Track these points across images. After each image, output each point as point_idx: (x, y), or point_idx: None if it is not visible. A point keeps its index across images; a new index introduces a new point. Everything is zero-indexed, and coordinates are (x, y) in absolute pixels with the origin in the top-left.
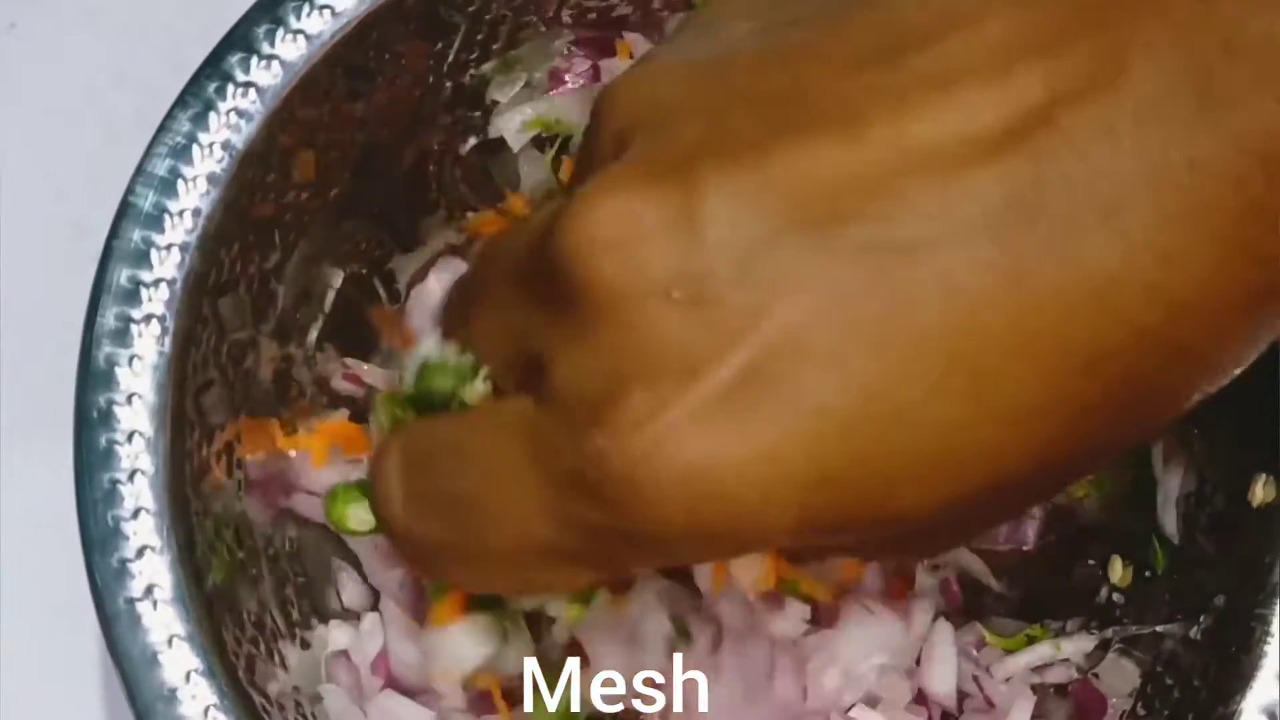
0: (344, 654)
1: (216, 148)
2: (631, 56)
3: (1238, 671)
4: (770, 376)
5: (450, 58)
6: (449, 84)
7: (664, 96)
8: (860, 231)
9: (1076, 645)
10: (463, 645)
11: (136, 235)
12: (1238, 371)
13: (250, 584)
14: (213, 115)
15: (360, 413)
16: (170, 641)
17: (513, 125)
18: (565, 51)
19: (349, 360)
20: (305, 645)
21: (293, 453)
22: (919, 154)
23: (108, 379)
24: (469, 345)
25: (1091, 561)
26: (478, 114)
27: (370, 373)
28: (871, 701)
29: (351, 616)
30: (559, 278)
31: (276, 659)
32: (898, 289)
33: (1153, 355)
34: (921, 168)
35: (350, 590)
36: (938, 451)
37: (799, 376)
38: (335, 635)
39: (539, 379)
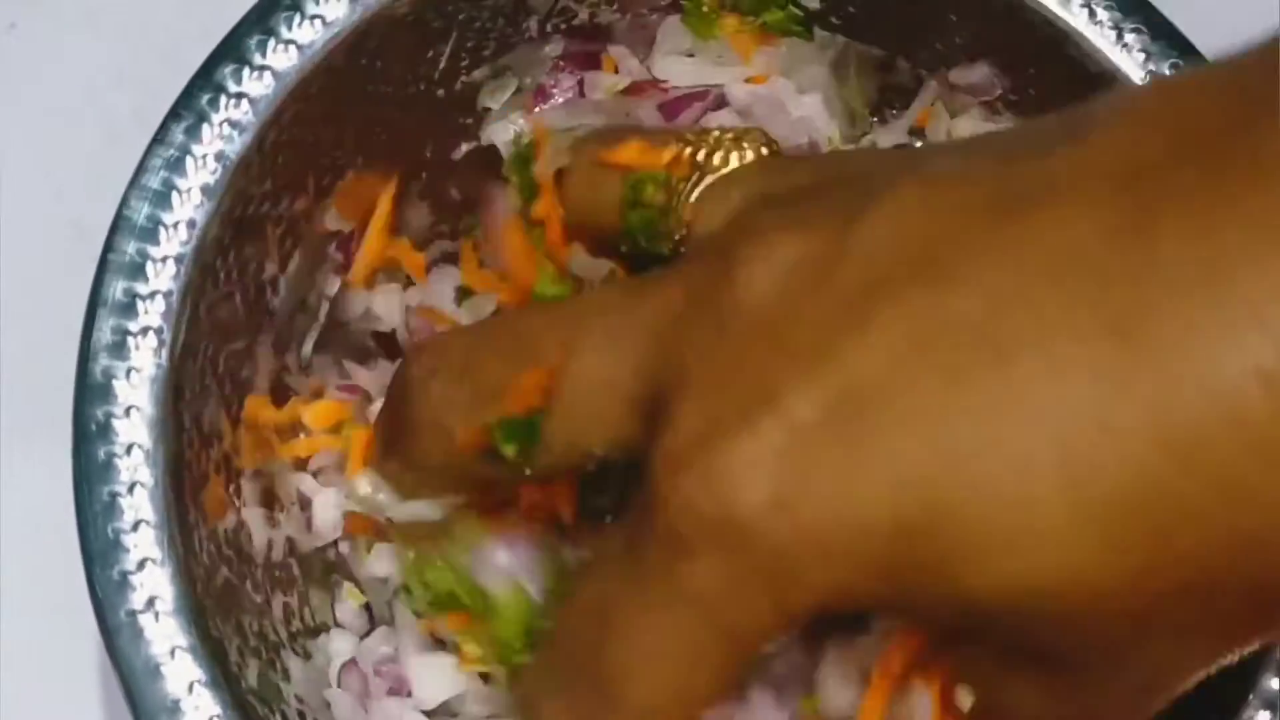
0: (352, 661)
1: (210, 159)
2: (616, 70)
3: (1238, 664)
4: (862, 414)
5: (441, 65)
6: (440, 91)
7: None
8: (969, 287)
9: None
10: None
11: (132, 248)
12: None
13: (251, 594)
14: (206, 126)
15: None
16: (173, 653)
17: (504, 132)
18: (551, 63)
19: (347, 363)
20: (307, 655)
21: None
22: (1038, 211)
23: (105, 392)
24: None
25: None
26: (469, 121)
27: (364, 375)
28: None
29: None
30: (713, 305)
31: (279, 669)
32: (997, 351)
33: (1258, 512)
34: (1038, 226)
35: (346, 610)
36: (1018, 529)
37: (888, 427)
38: (337, 644)
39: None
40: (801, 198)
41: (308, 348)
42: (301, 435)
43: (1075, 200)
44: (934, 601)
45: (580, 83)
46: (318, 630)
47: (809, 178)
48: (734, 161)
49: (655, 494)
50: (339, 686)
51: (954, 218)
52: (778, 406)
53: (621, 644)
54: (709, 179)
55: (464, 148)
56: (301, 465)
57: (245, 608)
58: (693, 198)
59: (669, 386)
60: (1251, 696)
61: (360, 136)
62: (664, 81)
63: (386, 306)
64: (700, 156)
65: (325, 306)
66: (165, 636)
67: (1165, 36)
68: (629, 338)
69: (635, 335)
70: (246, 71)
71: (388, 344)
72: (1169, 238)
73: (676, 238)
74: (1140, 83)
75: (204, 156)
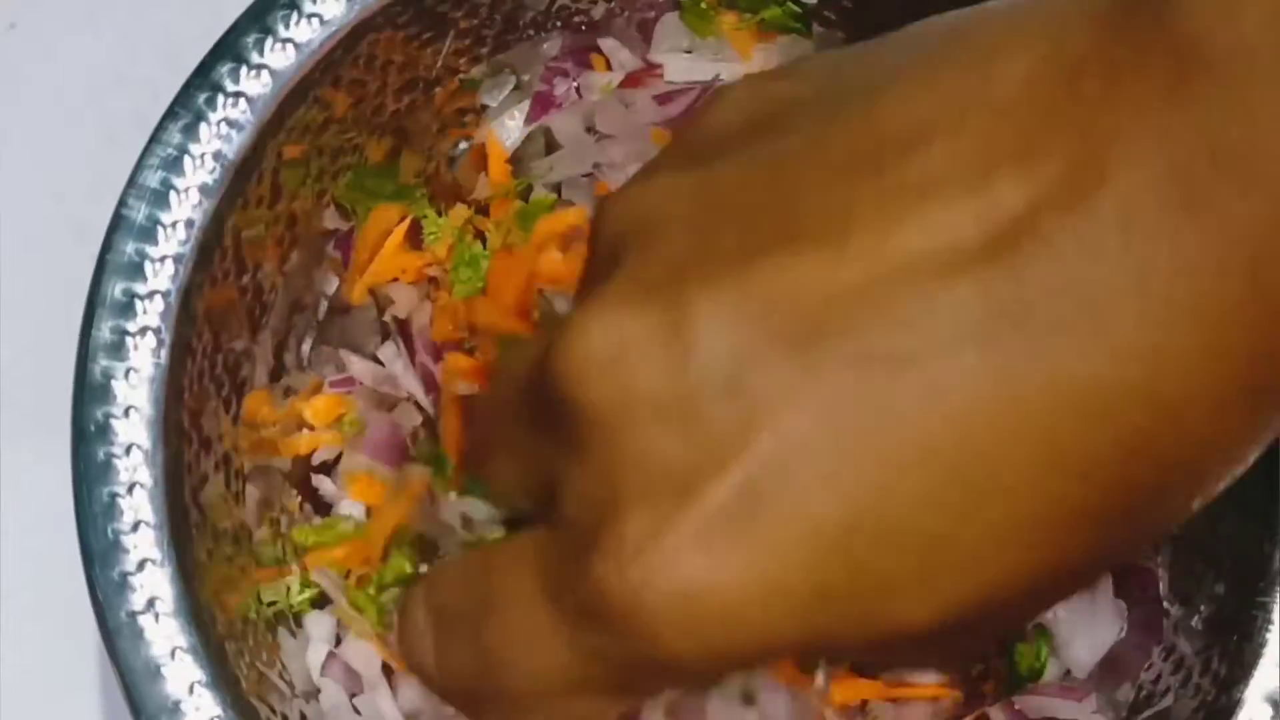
0: (334, 654)
1: (208, 158)
2: (609, 67)
3: (1239, 660)
4: (764, 493)
5: (440, 63)
6: (439, 89)
7: (653, 210)
8: (844, 344)
9: None
10: None
11: (130, 248)
12: (1240, 470)
13: (251, 593)
14: (203, 126)
15: None
16: (173, 654)
17: (502, 129)
18: (546, 64)
19: (342, 351)
20: (305, 651)
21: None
22: (901, 265)
23: (104, 392)
24: (488, 483)
25: None
26: (468, 118)
27: (360, 366)
28: None
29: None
30: (555, 402)
31: (279, 667)
32: (883, 401)
33: (1146, 459)
34: (904, 279)
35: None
36: (932, 564)
37: (791, 492)
38: (313, 628)
39: (553, 508)
40: (617, 253)
41: (306, 346)
42: (304, 431)
43: (930, 218)
44: (860, 639)
45: (577, 87)
46: None
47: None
48: None
49: (584, 591)
50: (322, 674)
51: (804, 272)
52: (678, 506)
53: (513, 646)
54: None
55: (463, 145)
56: (315, 468)
57: (246, 607)
58: None
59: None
60: (1254, 692)
61: (358, 135)
62: (659, 66)
63: (400, 295)
64: None
65: (323, 305)
66: (165, 637)
67: None
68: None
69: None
70: (244, 70)
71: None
72: (1035, 269)
73: None
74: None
75: (202, 156)
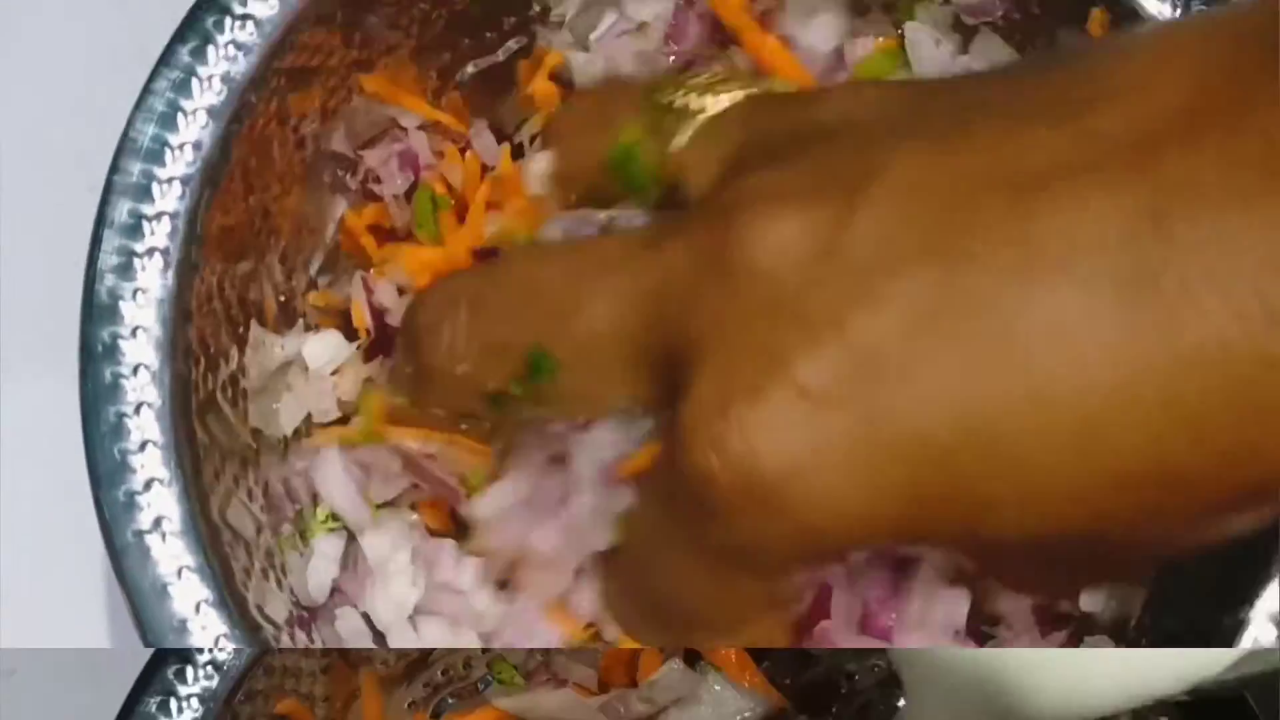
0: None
1: (215, 80)
2: None
3: (1246, 580)
4: (874, 393)
5: None
6: (444, 15)
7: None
8: (983, 264)
9: None
10: None
11: (137, 169)
12: None
13: (258, 514)
14: (211, 48)
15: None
16: (180, 573)
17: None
18: None
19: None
20: (314, 571)
21: None
22: (1054, 189)
23: (112, 313)
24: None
25: None
26: (470, 42)
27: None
28: None
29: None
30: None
31: (285, 587)
32: (1010, 326)
33: (1259, 425)
34: (1054, 206)
35: None
36: (1032, 491)
37: (902, 396)
38: (323, 548)
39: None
40: (797, 148)
41: (314, 268)
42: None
43: (1089, 183)
44: (942, 542)
45: None
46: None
47: (803, 121)
48: (723, 102)
49: (680, 461)
50: (334, 596)
51: (963, 194)
52: (788, 375)
53: (664, 582)
54: (699, 120)
55: (470, 68)
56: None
57: (252, 527)
58: (682, 142)
59: (681, 353)
60: (1259, 612)
61: (367, 60)
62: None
63: None
64: (689, 100)
65: (331, 228)
66: (172, 557)
67: None
68: (636, 297)
69: (642, 295)
70: None
71: None
72: (1183, 235)
73: (666, 187)
74: (1147, 29)
75: (209, 78)
